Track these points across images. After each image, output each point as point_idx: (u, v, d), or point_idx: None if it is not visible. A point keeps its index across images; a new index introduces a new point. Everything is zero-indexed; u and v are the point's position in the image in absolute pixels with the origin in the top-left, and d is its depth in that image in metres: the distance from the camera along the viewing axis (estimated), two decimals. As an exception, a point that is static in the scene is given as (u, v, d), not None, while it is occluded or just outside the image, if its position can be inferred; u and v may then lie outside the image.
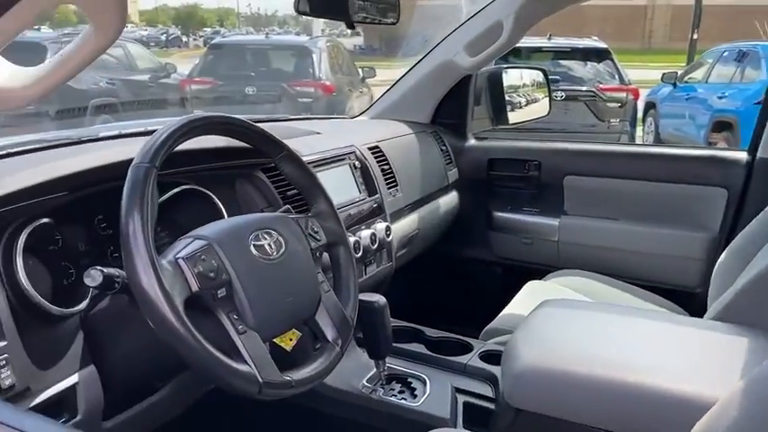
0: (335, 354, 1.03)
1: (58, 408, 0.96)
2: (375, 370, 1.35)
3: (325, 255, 1.14)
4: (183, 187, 1.19)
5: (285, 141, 1.15)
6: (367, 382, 1.36)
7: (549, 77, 2.45)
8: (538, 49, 6.72)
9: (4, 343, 0.87)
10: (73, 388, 0.97)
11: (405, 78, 2.24)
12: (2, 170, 1.03)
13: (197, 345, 0.83)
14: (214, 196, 1.24)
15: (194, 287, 0.87)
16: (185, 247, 0.90)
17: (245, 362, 0.88)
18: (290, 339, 1.11)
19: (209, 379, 0.87)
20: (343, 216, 1.50)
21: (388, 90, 2.31)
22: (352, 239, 1.46)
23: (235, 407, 1.41)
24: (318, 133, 1.71)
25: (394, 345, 1.44)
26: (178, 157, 1.09)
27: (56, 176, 0.99)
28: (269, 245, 0.98)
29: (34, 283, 0.93)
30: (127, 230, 0.83)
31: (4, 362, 0.86)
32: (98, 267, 0.85)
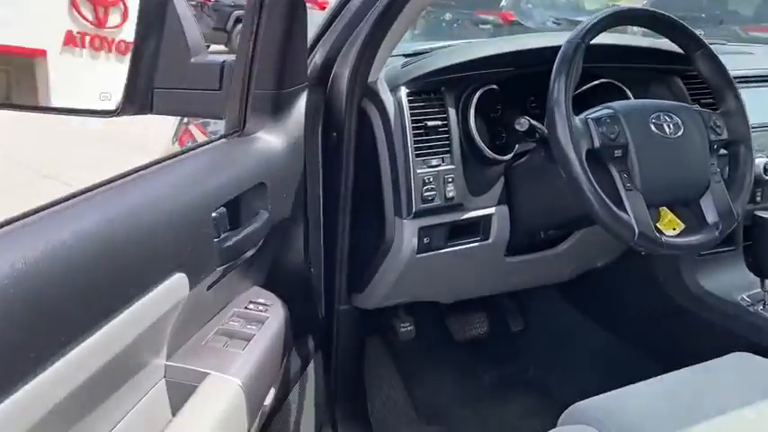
0: (712, 237, 1.10)
1: (476, 227, 1.28)
2: (759, 289, 1.35)
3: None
4: (603, 80, 1.37)
5: None
6: (747, 296, 1.37)
7: None
8: None
9: (453, 167, 1.21)
10: (489, 217, 1.28)
11: None
12: (464, 49, 1.36)
13: (590, 186, 1.02)
14: (629, 92, 1.38)
15: (596, 143, 1.06)
16: (596, 112, 1.10)
17: (627, 212, 1.04)
18: (674, 228, 1.22)
19: (593, 218, 1.05)
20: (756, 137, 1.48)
21: None
22: None
23: (606, 289, 1.58)
24: (751, 54, 1.68)
25: None
26: (603, 52, 1.27)
27: (505, 51, 1.28)
28: (668, 125, 1.10)
29: (478, 133, 1.25)
30: (553, 88, 1.05)
31: (450, 179, 1.20)
32: (526, 117, 1.11)
